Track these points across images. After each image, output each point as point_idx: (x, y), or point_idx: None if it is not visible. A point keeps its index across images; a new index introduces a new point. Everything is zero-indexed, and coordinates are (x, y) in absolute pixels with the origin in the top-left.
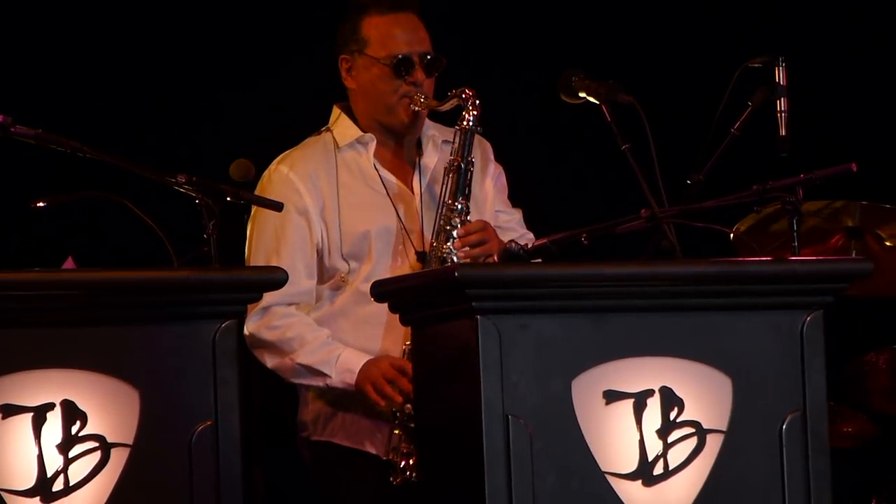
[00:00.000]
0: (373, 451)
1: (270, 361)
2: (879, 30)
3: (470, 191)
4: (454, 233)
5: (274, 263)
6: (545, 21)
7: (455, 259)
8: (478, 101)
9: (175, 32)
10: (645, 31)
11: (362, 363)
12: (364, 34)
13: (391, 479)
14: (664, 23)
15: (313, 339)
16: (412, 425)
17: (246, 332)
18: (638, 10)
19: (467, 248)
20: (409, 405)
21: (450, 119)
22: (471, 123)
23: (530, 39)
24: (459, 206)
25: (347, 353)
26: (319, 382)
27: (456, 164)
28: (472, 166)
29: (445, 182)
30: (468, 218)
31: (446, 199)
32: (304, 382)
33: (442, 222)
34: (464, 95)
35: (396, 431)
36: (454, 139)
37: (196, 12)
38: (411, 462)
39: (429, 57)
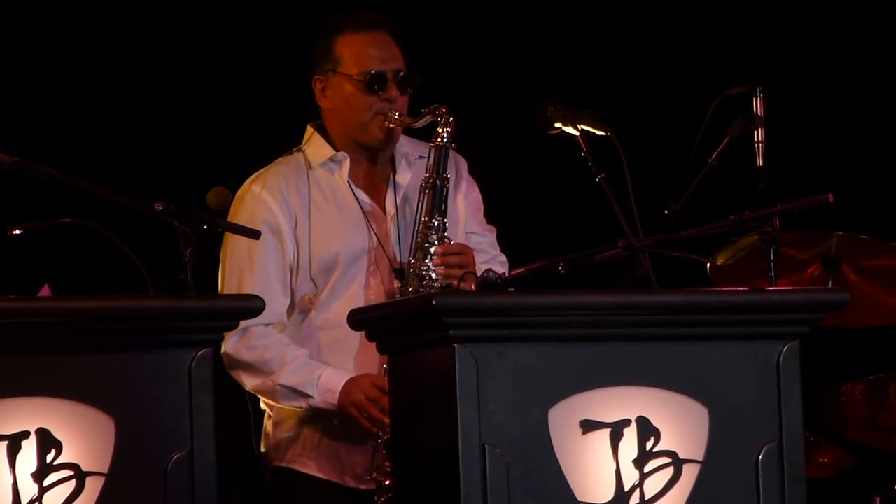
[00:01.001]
0: (333, 478)
1: (250, 383)
2: (856, 60)
3: (446, 207)
4: (432, 250)
5: (248, 283)
6: (524, 48)
7: (433, 276)
8: (451, 118)
9: (153, 62)
10: (623, 60)
11: (343, 383)
12: (337, 53)
13: (376, 498)
14: (642, 51)
15: (293, 359)
16: None
17: (224, 352)
18: (616, 39)
19: (445, 268)
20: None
21: (425, 134)
22: (445, 140)
23: (509, 68)
24: (436, 223)
25: (328, 373)
26: (302, 403)
27: (431, 180)
28: (448, 183)
29: (421, 199)
30: (445, 235)
31: (422, 216)
32: (286, 404)
33: (419, 239)
34: (437, 112)
35: (383, 451)
36: (429, 156)
37: (173, 41)
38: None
39: (402, 74)
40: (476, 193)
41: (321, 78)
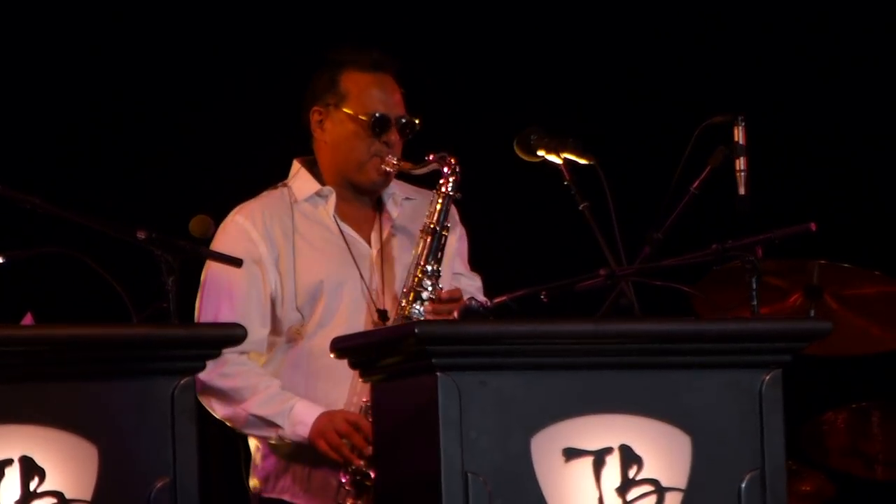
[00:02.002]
0: None
1: (221, 410)
2: (837, 89)
3: (442, 256)
4: (423, 295)
5: (226, 311)
6: (506, 76)
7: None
8: (458, 168)
9: (138, 90)
10: (606, 89)
11: (315, 416)
12: (343, 88)
13: None
14: (625, 81)
15: (265, 389)
16: (364, 482)
17: (196, 378)
18: (599, 68)
19: (436, 314)
20: (361, 461)
21: (415, 177)
22: (451, 189)
23: (490, 96)
24: (430, 269)
25: (301, 406)
26: (271, 433)
27: (431, 227)
28: (447, 232)
29: (420, 244)
30: (439, 283)
31: (419, 260)
32: (256, 433)
33: (413, 282)
34: (444, 161)
35: (344, 482)
36: (432, 202)
37: (159, 70)
38: None
39: (404, 120)
40: (465, 241)
41: (321, 109)
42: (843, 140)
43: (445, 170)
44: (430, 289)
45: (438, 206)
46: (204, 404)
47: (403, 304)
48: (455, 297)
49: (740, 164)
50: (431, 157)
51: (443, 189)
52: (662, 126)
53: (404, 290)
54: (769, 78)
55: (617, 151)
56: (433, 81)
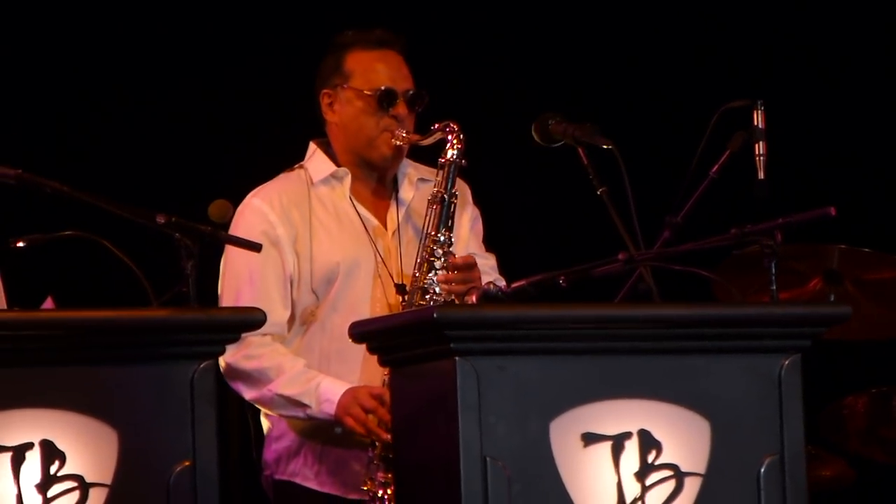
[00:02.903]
0: (334, 492)
1: (248, 393)
2: (858, 72)
3: (453, 223)
4: (437, 264)
5: (247, 294)
6: (524, 61)
7: (437, 290)
8: (462, 136)
9: (154, 74)
10: (624, 74)
11: (341, 393)
12: (347, 68)
13: None
14: (643, 65)
15: (291, 368)
16: (390, 456)
17: (222, 363)
18: (616, 52)
19: (450, 284)
20: (388, 435)
21: (428, 156)
22: (455, 156)
23: (508, 81)
24: (442, 238)
25: (326, 383)
26: (299, 413)
27: (440, 196)
28: (456, 199)
29: (428, 213)
30: (451, 250)
31: (429, 230)
32: (284, 413)
33: (425, 253)
34: (448, 128)
35: (371, 456)
36: (438, 171)
37: (176, 55)
38: (389, 492)
39: (411, 92)
40: (479, 221)
41: (329, 92)
42: (862, 124)
43: (450, 137)
44: (441, 258)
45: (444, 174)
46: (232, 388)
47: (417, 275)
48: (469, 263)
49: (759, 148)
50: (436, 127)
51: (447, 156)
52: (681, 110)
53: (417, 262)
54: (788, 61)
55: (635, 136)
56: (451, 66)
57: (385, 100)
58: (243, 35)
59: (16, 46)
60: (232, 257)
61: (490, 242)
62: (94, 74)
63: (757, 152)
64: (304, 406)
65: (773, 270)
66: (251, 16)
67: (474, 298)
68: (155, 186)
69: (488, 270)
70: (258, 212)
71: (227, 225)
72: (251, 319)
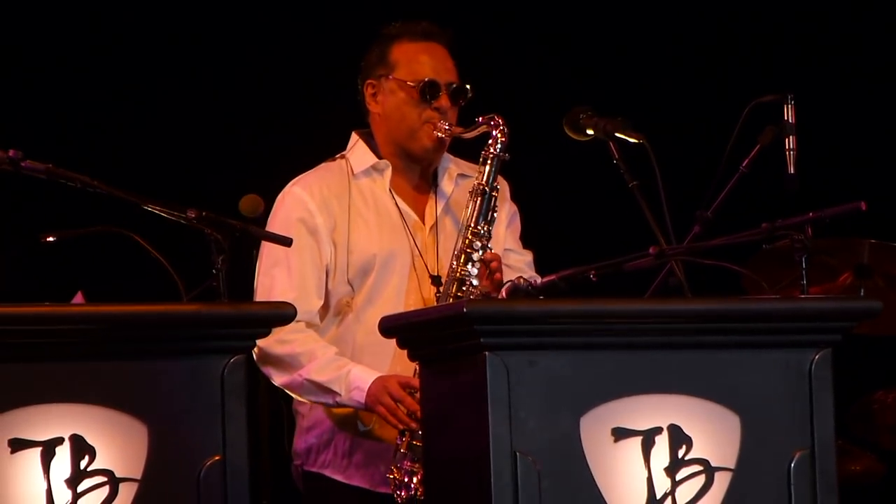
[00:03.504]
0: (363, 485)
1: (279, 378)
2: (889, 66)
3: (493, 217)
4: (474, 256)
5: (282, 281)
6: (556, 55)
7: (474, 282)
8: (506, 129)
9: (187, 69)
10: (654, 68)
11: (371, 381)
12: (392, 59)
13: (395, 495)
14: (674, 60)
15: (322, 355)
16: (417, 444)
17: (255, 348)
18: (648, 47)
19: (488, 279)
20: (416, 424)
21: (469, 152)
22: (499, 150)
23: (540, 75)
24: (482, 230)
25: (357, 371)
26: (329, 399)
27: (481, 188)
28: (497, 192)
29: (469, 205)
30: (489, 244)
31: (469, 221)
32: (314, 399)
33: (464, 245)
34: (493, 122)
35: (399, 444)
36: (481, 164)
37: (209, 49)
38: (416, 479)
39: (455, 85)
40: (517, 218)
41: (373, 82)
42: (893, 118)
43: (494, 132)
44: (480, 251)
45: (487, 167)
46: (263, 371)
47: (454, 266)
48: (491, 260)
49: (790, 142)
50: (480, 120)
51: (491, 150)
52: (712, 105)
53: (455, 253)
54: (820, 56)
55: (666, 130)
56: (487, 60)
57: (428, 91)
58: (284, 26)
59: (43, 40)
60: (269, 245)
61: (522, 234)
62: (125, 68)
63: (787, 147)
64: (333, 393)
65: (804, 265)
66: (290, 6)
67: (504, 293)
68: (186, 181)
69: (524, 267)
70: (298, 199)
71: (257, 219)
72: (282, 314)
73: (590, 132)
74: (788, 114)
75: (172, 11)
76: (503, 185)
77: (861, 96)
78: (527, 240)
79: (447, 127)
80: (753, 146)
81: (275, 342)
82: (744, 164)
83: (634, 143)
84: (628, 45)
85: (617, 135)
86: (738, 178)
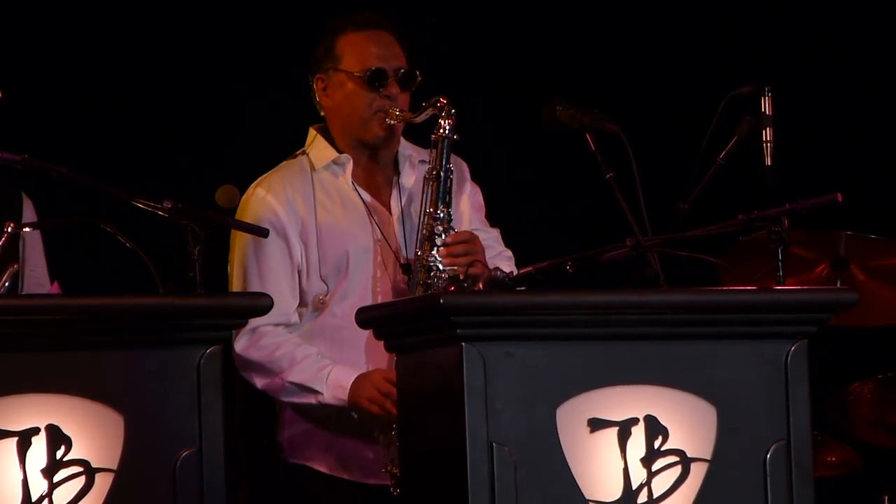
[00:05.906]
0: (347, 476)
1: (260, 382)
2: (865, 59)
3: (451, 199)
4: (438, 241)
5: (255, 286)
6: (531, 46)
7: (440, 267)
8: (453, 110)
9: (160, 62)
10: (631, 59)
11: (353, 379)
12: (339, 51)
13: (392, 490)
14: (650, 51)
15: (302, 356)
16: None
17: (234, 354)
18: (624, 38)
19: (452, 258)
20: None
21: (425, 137)
22: (447, 131)
23: (515, 67)
24: (441, 214)
25: (338, 370)
26: (311, 400)
27: (435, 172)
28: (451, 174)
29: (425, 191)
30: (451, 226)
31: (427, 207)
32: (296, 401)
33: (425, 231)
34: (438, 104)
35: (397, 444)
36: (431, 147)
37: (180, 42)
38: None
39: (403, 71)
40: (479, 195)
41: (322, 77)
42: (869, 110)
43: (441, 113)
44: (442, 234)
45: (437, 150)
46: (245, 378)
47: (419, 253)
48: (467, 238)
49: (767, 134)
50: (426, 103)
51: (440, 132)
52: (689, 96)
53: (418, 240)
54: (796, 47)
55: (643, 122)
56: (457, 53)
57: (376, 79)
58: (245, 20)
59: (22, 35)
60: (240, 250)
61: (494, 223)
62: (98, 62)
63: (764, 138)
64: (315, 393)
65: (780, 256)
66: (252, 5)
67: (478, 272)
68: (161, 172)
69: (493, 243)
70: (263, 202)
71: (233, 210)
72: (258, 305)
73: (566, 124)
74: (765, 105)
75: (148, 5)
76: (461, 165)
77: (838, 87)
78: (503, 232)
79: (398, 113)
80: (731, 138)
81: (253, 348)
82: (721, 156)
83: (611, 134)
84: (605, 36)
85: (594, 127)
86: (715, 170)
